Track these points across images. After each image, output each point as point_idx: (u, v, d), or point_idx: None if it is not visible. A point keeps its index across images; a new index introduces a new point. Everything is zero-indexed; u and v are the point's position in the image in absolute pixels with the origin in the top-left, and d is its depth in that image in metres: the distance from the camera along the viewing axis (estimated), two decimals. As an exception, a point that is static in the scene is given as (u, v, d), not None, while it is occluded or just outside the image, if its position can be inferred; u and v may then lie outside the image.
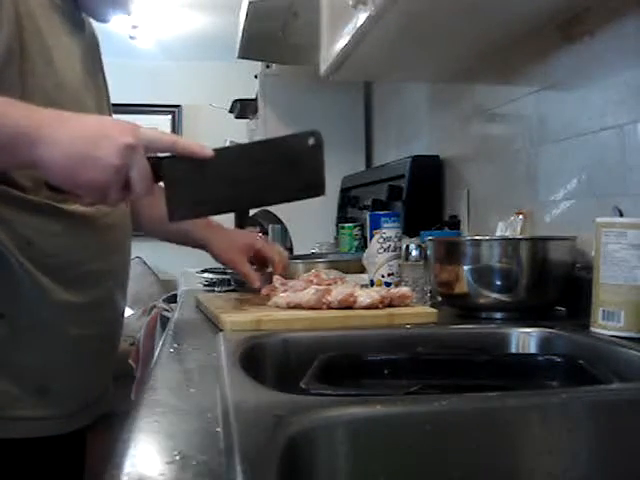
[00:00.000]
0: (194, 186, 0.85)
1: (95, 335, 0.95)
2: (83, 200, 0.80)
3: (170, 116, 4.76)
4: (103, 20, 1.02)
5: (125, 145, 0.73)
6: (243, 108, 3.19)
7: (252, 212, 3.17)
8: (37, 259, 0.86)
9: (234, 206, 0.95)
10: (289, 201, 0.94)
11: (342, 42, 1.47)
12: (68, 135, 0.73)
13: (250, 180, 0.88)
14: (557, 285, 1.09)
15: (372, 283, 1.28)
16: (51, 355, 0.88)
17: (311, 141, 0.90)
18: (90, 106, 0.96)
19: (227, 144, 4.46)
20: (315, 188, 0.92)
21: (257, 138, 2.88)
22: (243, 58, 2.69)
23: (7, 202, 0.83)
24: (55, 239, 0.88)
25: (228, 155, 0.88)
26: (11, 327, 0.84)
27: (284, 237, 2.58)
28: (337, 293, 1.03)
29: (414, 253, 1.29)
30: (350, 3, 1.29)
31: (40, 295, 0.86)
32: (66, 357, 0.90)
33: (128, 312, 3.73)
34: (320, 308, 1.02)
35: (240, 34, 2.42)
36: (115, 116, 0.98)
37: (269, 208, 2.72)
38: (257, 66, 2.93)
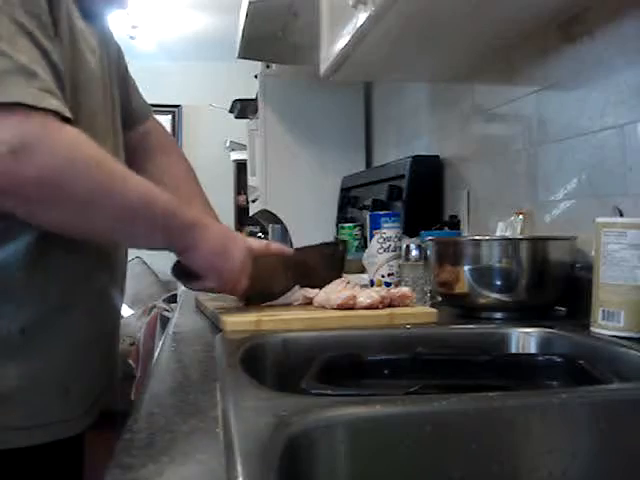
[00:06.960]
0: (269, 278, 1.07)
1: (102, 331, 0.95)
2: (206, 284, 0.97)
3: (170, 116, 4.76)
4: (98, 18, 1.00)
5: (248, 247, 0.98)
6: (243, 108, 3.18)
7: (252, 212, 3.18)
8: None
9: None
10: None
11: (342, 42, 1.46)
12: (214, 230, 0.93)
13: (311, 273, 1.12)
14: (557, 285, 1.09)
15: (372, 283, 1.28)
16: (68, 355, 0.87)
17: (341, 247, 1.21)
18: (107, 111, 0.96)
19: (227, 144, 4.48)
20: (337, 276, 1.16)
21: (257, 138, 2.88)
22: (243, 58, 2.69)
23: None
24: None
25: (300, 254, 1.12)
26: (26, 334, 0.83)
27: (284, 237, 2.59)
28: (337, 297, 1.03)
29: (414, 253, 1.28)
30: (350, 3, 1.29)
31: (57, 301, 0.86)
32: (81, 355, 0.89)
33: (128, 312, 3.72)
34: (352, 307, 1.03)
35: (240, 34, 2.42)
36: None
37: (269, 208, 2.73)
38: (257, 66, 2.92)
